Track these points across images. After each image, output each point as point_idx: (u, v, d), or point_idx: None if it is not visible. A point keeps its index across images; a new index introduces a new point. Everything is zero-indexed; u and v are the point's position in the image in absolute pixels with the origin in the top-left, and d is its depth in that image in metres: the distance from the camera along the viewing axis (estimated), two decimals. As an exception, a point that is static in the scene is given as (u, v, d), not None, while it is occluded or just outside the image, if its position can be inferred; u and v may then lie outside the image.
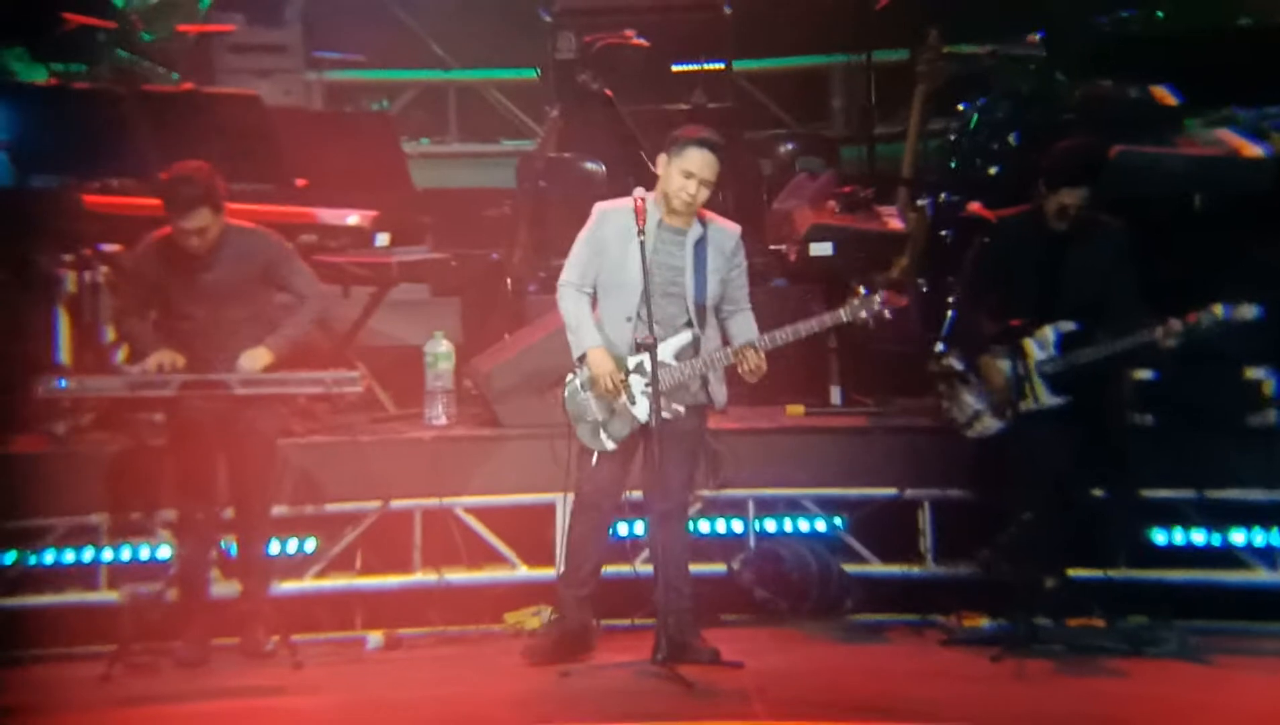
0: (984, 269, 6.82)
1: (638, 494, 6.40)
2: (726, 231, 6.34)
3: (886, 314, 6.31)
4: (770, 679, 6.23)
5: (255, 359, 6.43)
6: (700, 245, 6.26)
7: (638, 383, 6.27)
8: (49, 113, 7.76)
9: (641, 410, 6.24)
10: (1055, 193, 6.63)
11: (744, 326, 6.33)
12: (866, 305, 6.31)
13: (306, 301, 6.60)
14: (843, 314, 6.32)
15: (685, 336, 6.25)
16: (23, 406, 7.21)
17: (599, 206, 6.35)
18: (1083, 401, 6.67)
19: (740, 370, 6.27)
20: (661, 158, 6.26)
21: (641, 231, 6.20)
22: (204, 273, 6.45)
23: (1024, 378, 6.59)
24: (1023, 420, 6.61)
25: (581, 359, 6.27)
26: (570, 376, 6.31)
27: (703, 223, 6.32)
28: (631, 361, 6.28)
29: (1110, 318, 6.62)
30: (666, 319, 6.24)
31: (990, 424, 6.78)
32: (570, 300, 6.31)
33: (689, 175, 6.18)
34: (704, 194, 6.22)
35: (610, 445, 6.29)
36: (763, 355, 6.23)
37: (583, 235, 6.33)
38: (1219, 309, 6.46)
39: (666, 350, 6.27)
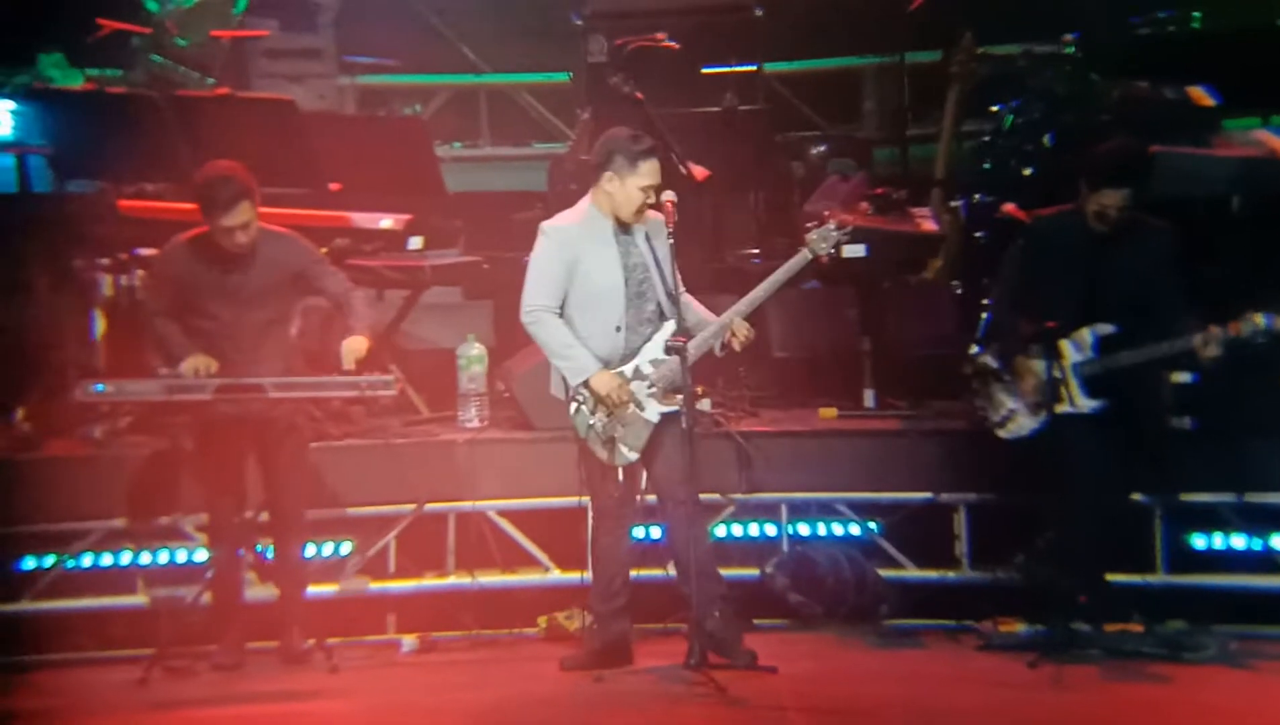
0: (1022, 268, 6.77)
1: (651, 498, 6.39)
2: (657, 219, 6.33)
3: (845, 241, 6.34)
4: (804, 684, 6.21)
5: (357, 344, 6.42)
6: (649, 240, 6.29)
7: (640, 388, 6.28)
8: (85, 118, 7.80)
9: (652, 411, 6.26)
10: (1097, 193, 6.57)
11: (694, 307, 6.37)
12: (824, 237, 6.31)
13: (351, 294, 6.61)
14: (806, 253, 6.33)
15: (669, 327, 6.25)
16: (61, 410, 7.27)
17: (550, 225, 6.34)
18: (1121, 404, 6.62)
19: (735, 344, 6.27)
20: (607, 175, 6.26)
21: (671, 235, 6.20)
22: (232, 274, 6.48)
23: (1060, 380, 6.55)
24: (1058, 423, 6.56)
25: (582, 384, 6.25)
26: (574, 405, 6.28)
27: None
28: (627, 369, 6.28)
29: (1153, 321, 6.55)
30: (648, 317, 6.26)
31: (1024, 424, 6.74)
32: (551, 325, 6.27)
33: (648, 189, 6.24)
34: (651, 200, 6.28)
35: (633, 456, 6.30)
36: (748, 325, 6.25)
37: (545, 255, 6.28)
38: (1260, 318, 6.39)
39: (657, 347, 6.28)
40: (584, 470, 6.34)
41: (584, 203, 6.36)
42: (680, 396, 6.21)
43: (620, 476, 6.28)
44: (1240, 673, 6.45)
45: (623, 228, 6.28)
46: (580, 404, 6.27)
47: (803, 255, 6.32)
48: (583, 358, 6.24)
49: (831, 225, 6.33)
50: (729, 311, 6.30)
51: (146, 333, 6.86)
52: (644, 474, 6.39)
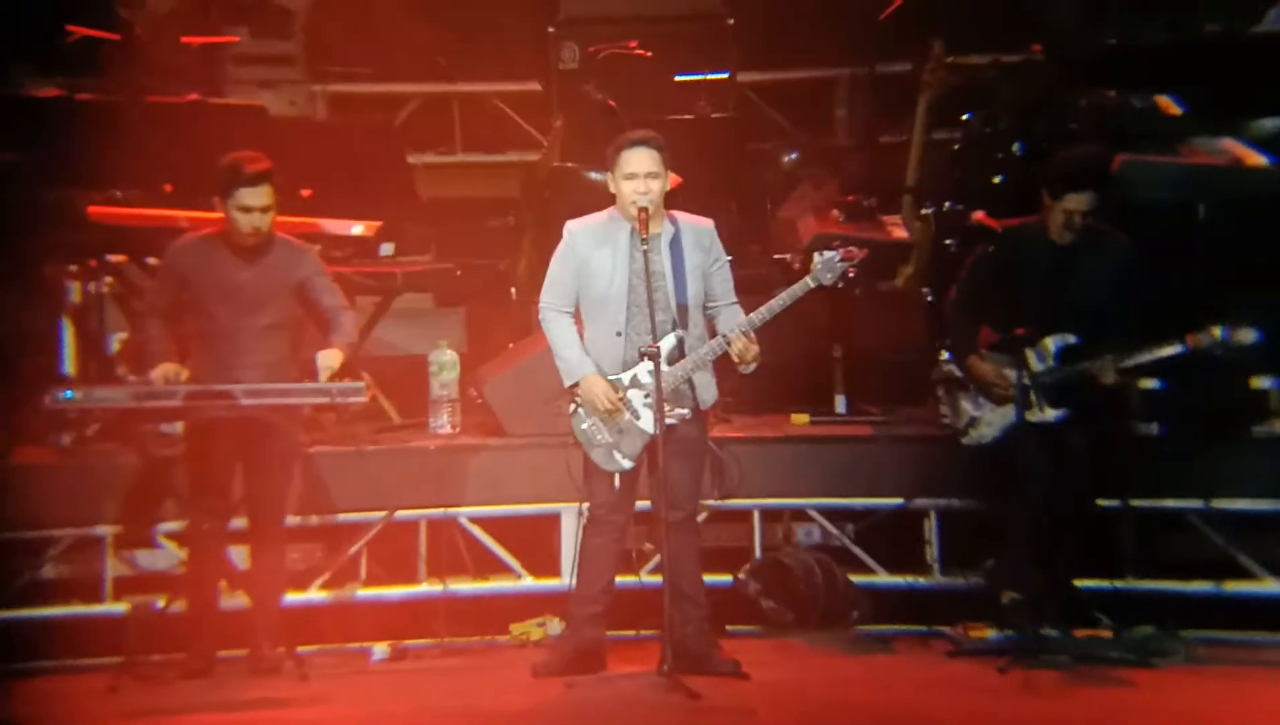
0: (982, 276, 6.82)
1: (646, 504, 6.39)
2: (700, 227, 6.33)
3: (850, 272, 6.28)
4: (776, 690, 6.22)
5: (331, 358, 6.43)
6: (675, 245, 6.27)
7: (637, 396, 6.27)
8: (55, 124, 7.76)
9: (648, 422, 6.23)
10: (1060, 200, 6.63)
11: (732, 321, 6.30)
12: (829, 267, 6.27)
13: (345, 313, 6.62)
14: (809, 281, 6.29)
15: (670, 340, 6.24)
16: (29, 418, 7.22)
17: (569, 226, 6.35)
18: (1087, 411, 6.67)
19: (734, 360, 6.24)
20: (607, 179, 6.28)
21: (645, 241, 6.20)
22: (237, 274, 6.47)
23: (1027, 388, 6.59)
24: (1022, 431, 6.60)
25: (574, 387, 6.26)
26: (572, 406, 6.29)
27: (674, 222, 6.32)
28: (625, 377, 6.28)
29: (1109, 332, 6.61)
30: (657, 327, 6.22)
31: (985, 431, 6.78)
32: (555, 324, 6.29)
33: (632, 176, 6.19)
34: (656, 185, 6.21)
35: (627, 464, 6.28)
36: (751, 338, 6.21)
37: (559, 255, 6.32)
38: (1217, 331, 6.47)
39: (660, 358, 6.26)
40: (580, 472, 6.32)
41: (612, 206, 6.33)
42: (682, 410, 6.20)
43: (616, 483, 6.26)
44: (1207, 678, 6.48)
45: (644, 233, 6.19)
46: (577, 406, 6.27)
47: (804, 283, 6.28)
48: (576, 360, 6.24)
49: (837, 255, 6.26)
50: (726, 330, 6.23)
51: (134, 331, 6.83)
52: (638, 485, 6.34)
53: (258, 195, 6.45)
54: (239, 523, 6.64)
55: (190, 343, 6.49)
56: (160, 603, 6.62)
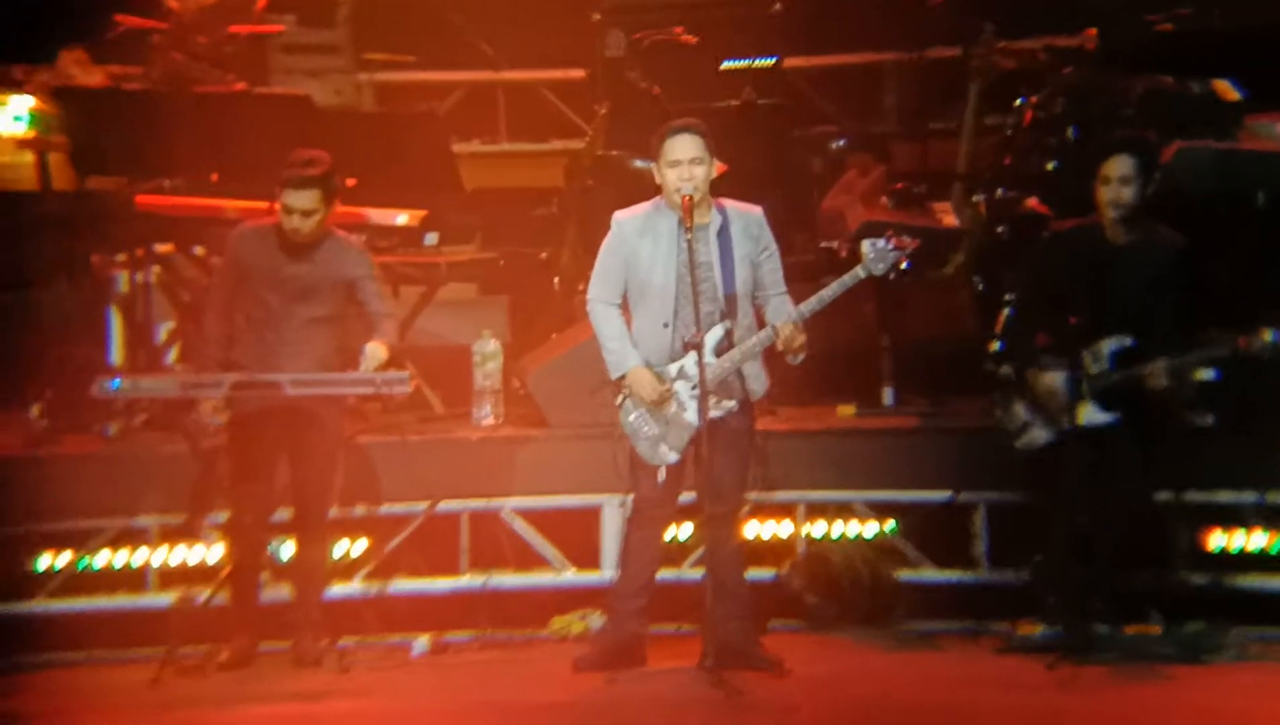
0: (1040, 282, 6.71)
1: (691, 496, 6.33)
2: (749, 215, 6.26)
3: (903, 262, 6.17)
4: (819, 687, 6.17)
5: (378, 348, 6.46)
6: (723, 234, 6.20)
7: (684, 388, 6.21)
8: (103, 115, 7.80)
9: (694, 415, 6.17)
10: (1101, 169, 6.47)
11: (781, 311, 6.24)
12: (881, 256, 6.18)
13: (390, 317, 6.66)
14: (860, 271, 6.20)
15: (718, 331, 6.18)
16: (76, 407, 7.27)
17: (617, 217, 6.31)
18: (1137, 415, 6.53)
19: (779, 350, 6.17)
20: (651, 167, 6.22)
21: (689, 229, 6.14)
22: (290, 266, 6.51)
23: (1078, 392, 6.47)
24: (1074, 434, 6.48)
25: (621, 379, 6.22)
26: (619, 397, 6.25)
27: (721, 211, 6.25)
28: (672, 368, 6.23)
29: (1159, 334, 6.48)
30: (703, 317, 6.15)
31: (1039, 436, 6.67)
32: (603, 316, 6.26)
33: (676, 163, 6.13)
34: (700, 171, 6.14)
35: (673, 457, 6.23)
36: (799, 328, 6.13)
37: (606, 247, 6.29)
38: (1269, 334, 6.33)
39: (707, 349, 6.19)
40: (626, 465, 6.27)
41: (659, 196, 6.28)
42: (730, 402, 6.14)
43: (662, 475, 6.22)
44: (1260, 674, 6.37)
45: (689, 221, 6.13)
46: (625, 398, 6.23)
47: (855, 273, 6.20)
48: (622, 352, 6.20)
49: (889, 244, 6.16)
50: (775, 321, 6.18)
51: (192, 322, 6.79)
52: (684, 478, 6.28)
53: (300, 198, 6.48)
54: (282, 514, 6.65)
55: (240, 331, 6.50)
56: (203, 595, 6.64)
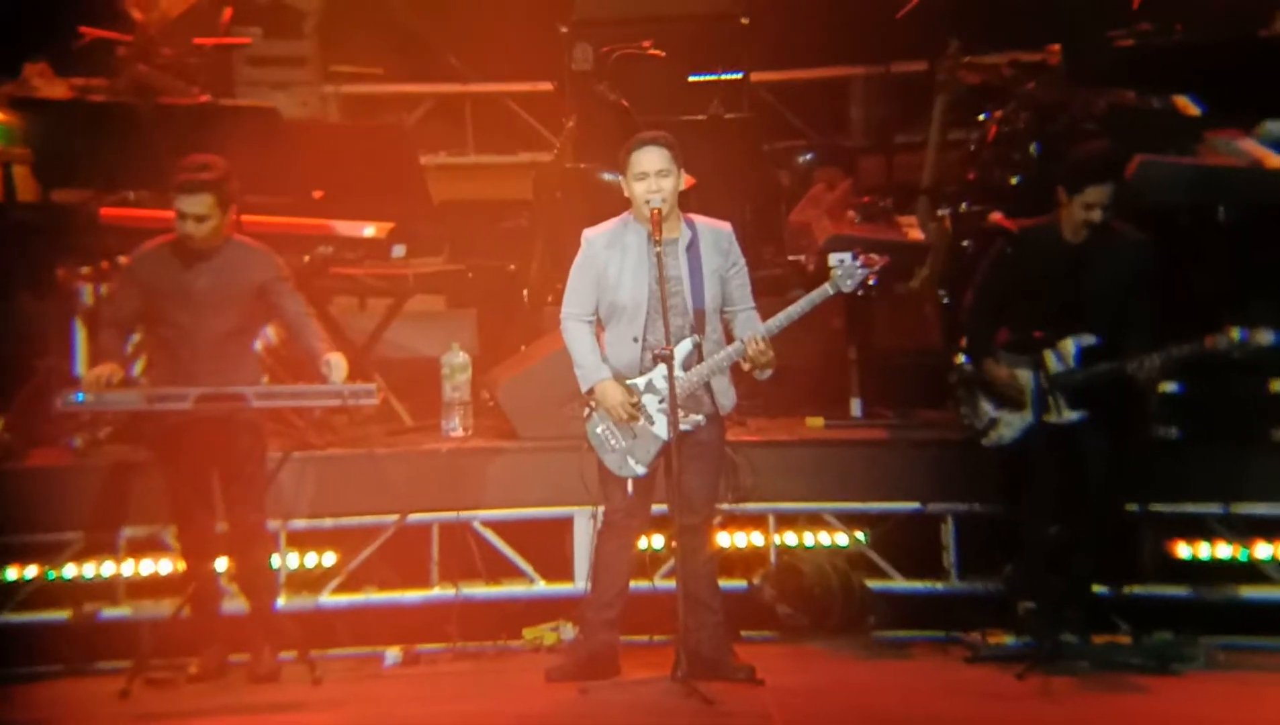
0: (997, 277, 6.77)
1: (662, 508, 6.35)
2: (718, 230, 6.30)
3: (871, 280, 6.23)
4: (791, 697, 6.17)
5: (342, 364, 6.35)
6: (692, 249, 6.23)
7: (652, 402, 6.24)
8: (67, 126, 7.75)
9: (662, 428, 6.20)
10: (1080, 194, 6.57)
11: (749, 326, 6.27)
12: (849, 273, 6.25)
13: (308, 318, 6.54)
14: (828, 288, 6.26)
15: (687, 345, 6.21)
16: (42, 420, 7.21)
17: (586, 234, 6.33)
18: (1105, 414, 6.61)
19: (745, 367, 6.20)
20: (619, 180, 6.26)
21: (659, 243, 6.16)
22: (196, 280, 6.41)
23: (1045, 391, 6.53)
24: (1041, 433, 6.54)
25: (590, 393, 6.24)
26: (587, 411, 6.27)
27: (691, 226, 6.28)
28: (640, 382, 6.25)
29: (1125, 332, 6.56)
30: (674, 331, 6.18)
31: (1005, 432, 6.73)
32: (574, 333, 6.28)
33: (643, 176, 6.17)
34: (668, 183, 6.17)
35: (640, 470, 6.25)
36: (768, 344, 6.17)
37: (577, 263, 6.30)
38: (1235, 333, 6.41)
39: (675, 363, 6.21)
40: (595, 478, 6.29)
41: (628, 211, 6.30)
42: (697, 415, 6.16)
43: (630, 488, 6.23)
44: (1228, 683, 6.43)
45: (660, 237, 6.15)
46: (591, 411, 6.24)
47: (823, 290, 6.25)
48: (592, 366, 6.22)
49: (858, 262, 6.21)
50: (743, 336, 6.21)
51: (91, 340, 6.77)
52: (655, 490, 6.30)
53: (192, 203, 6.38)
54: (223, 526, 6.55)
55: (153, 352, 6.42)
56: (167, 608, 6.58)
